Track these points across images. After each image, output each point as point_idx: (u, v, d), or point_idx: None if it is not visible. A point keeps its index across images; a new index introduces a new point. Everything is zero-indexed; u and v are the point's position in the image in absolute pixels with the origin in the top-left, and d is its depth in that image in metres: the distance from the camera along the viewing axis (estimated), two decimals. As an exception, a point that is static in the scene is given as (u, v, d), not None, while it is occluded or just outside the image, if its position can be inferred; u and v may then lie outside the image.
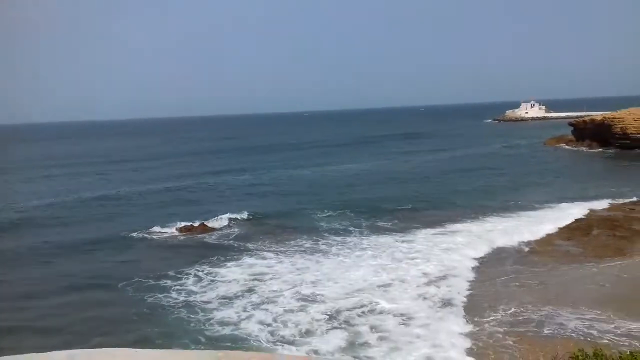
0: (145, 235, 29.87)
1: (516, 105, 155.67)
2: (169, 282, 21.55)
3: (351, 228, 29.69)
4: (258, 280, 21.48)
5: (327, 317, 17.56)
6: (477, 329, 16.35)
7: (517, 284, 20.16)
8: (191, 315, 18.26)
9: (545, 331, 15.90)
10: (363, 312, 17.87)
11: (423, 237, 26.84)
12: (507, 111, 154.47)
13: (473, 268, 22.26)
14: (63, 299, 20.79)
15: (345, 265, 22.85)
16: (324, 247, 26.13)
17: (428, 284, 20.39)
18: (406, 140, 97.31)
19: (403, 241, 26.24)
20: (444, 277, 20.92)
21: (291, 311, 18.19)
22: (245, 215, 33.64)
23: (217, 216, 33.25)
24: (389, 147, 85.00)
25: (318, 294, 19.59)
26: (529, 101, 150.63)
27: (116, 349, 4.30)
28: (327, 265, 22.96)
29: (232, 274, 22.32)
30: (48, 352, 4.19)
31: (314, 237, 27.87)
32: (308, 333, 16.51)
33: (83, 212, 37.07)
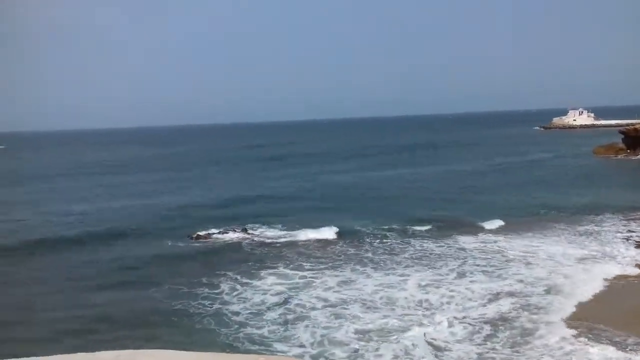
0: (185, 238, 29.49)
1: (563, 112, 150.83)
2: (201, 289, 20.84)
3: (404, 239, 28.03)
4: (293, 292, 20.22)
5: (362, 337, 16.16)
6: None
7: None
8: (220, 327, 17.42)
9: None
10: (404, 337, 16.32)
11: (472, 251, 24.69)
12: (554, 118, 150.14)
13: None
14: (94, 299, 20.52)
15: (391, 282, 21.15)
16: (369, 260, 24.50)
17: (487, 303, 18.68)
18: (456, 148, 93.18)
19: (448, 255, 24.44)
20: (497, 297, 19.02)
21: (325, 328, 16.89)
22: (289, 221, 32.64)
23: (259, 222, 32.59)
24: (441, 155, 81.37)
25: (357, 312, 18.06)
26: (576, 108, 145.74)
27: (159, 350, 4.69)
28: (372, 281, 21.33)
29: (267, 285, 21.17)
30: (95, 352, 4.58)
31: (360, 249, 26.45)
32: (339, 354, 15.27)
33: (130, 215, 37.08)
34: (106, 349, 15.32)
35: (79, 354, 4.47)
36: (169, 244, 28.64)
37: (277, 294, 20.09)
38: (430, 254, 25.21)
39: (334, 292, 20.17)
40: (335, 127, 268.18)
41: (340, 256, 25.24)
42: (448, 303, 18.80)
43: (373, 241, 27.73)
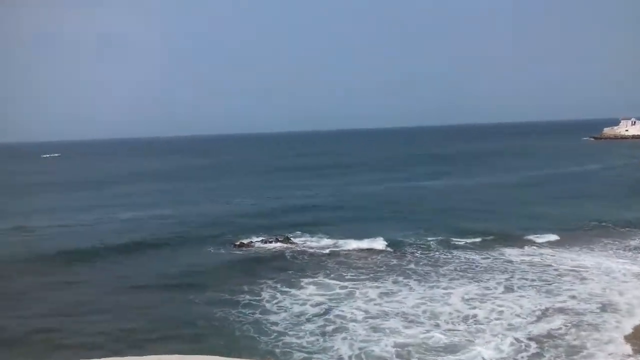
0: (229, 245, 29.76)
1: (614, 122, 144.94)
2: (242, 296, 20.91)
3: (449, 251, 27.30)
4: (334, 303, 19.90)
5: (401, 352, 15.63)
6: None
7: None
8: (260, 335, 17.38)
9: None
10: (448, 354, 15.63)
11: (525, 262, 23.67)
12: (605, 129, 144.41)
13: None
14: (140, 303, 20.90)
15: (434, 295, 20.52)
16: (412, 271, 23.90)
17: (537, 320, 17.84)
18: (502, 158, 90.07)
19: (495, 267, 23.45)
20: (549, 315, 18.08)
21: (364, 341, 16.49)
22: (330, 231, 32.40)
23: (301, 231, 32.57)
24: (486, 165, 78.87)
25: (397, 326, 17.55)
26: (629, 118, 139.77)
27: (199, 356, 4.90)
28: (414, 294, 20.77)
29: (307, 294, 20.97)
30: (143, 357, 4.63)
31: (403, 260, 25.89)
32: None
33: (177, 222, 37.76)
34: (149, 351, 15.76)
35: (127, 357, 4.55)
36: (213, 251, 28.94)
37: (317, 304, 19.84)
38: (476, 266, 24.42)
39: (374, 304, 19.74)
40: (372, 137, 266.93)
41: (381, 267, 24.78)
42: (496, 319, 18.04)
43: (416, 252, 27.16)
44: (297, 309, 19.44)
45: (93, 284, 23.61)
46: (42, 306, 20.51)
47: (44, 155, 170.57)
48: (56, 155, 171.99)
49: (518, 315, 18.21)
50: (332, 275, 23.40)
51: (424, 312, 18.76)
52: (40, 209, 45.57)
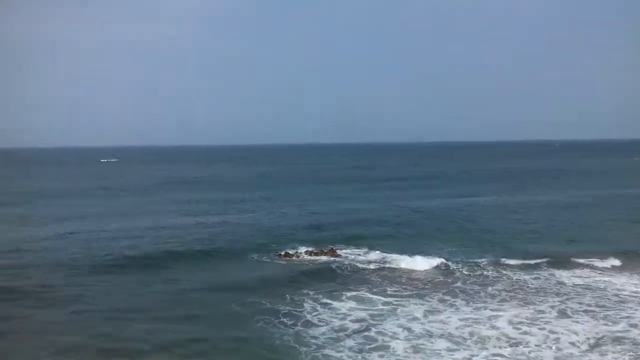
0: (273, 255, 29.89)
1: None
2: (283, 307, 20.85)
3: (498, 270, 26.33)
4: (375, 320, 19.44)
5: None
6: None
7: None
8: (300, 345, 17.20)
9: None
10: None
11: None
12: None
13: None
14: (179, 307, 21.15)
15: (482, 317, 19.72)
16: (459, 290, 23.17)
17: (591, 349, 16.76)
18: (556, 177, 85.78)
19: (547, 289, 22.26)
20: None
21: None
22: (376, 245, 31.99)
23: (346, 244, 32.45)
24: (539, 183, 75.27)
25: (440, 347, 16.92)
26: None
27: None
28: (460, 314, 20.04)
29: (348, 309, 20.65)
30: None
31: (450, 277, 25.23)
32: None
33: (226, 230, 38.30)
34: (192, 354, 15.90)
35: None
36: (258, 260, 29.15)
37: (358, 320, 19.46)
38: (527, 287, 23.34)
39: (418, 322, 19.15)
40: (414, 151, 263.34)
41: (427, 284, 24.11)
42: (547, 346, 17.08)
43: (463, 270, 26.29)
44: (337, 323, 19.14)
45: (141, 288, 23.92)
46: (91, 308, 21.05)
47: (103, 160, 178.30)
48: (114, 160, 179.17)
49: (572, 344, 17.18)
50: (374, 290, 22.99)
51: (470, 334, 18.01)
52: (93, 213, 47.07)
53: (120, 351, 16.81)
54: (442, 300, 21.63)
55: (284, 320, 19.46)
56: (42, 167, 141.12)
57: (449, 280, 24.62)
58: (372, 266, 27.18)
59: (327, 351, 16.73)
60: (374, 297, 21.96)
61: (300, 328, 18.69)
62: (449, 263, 27.42)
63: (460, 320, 19.30)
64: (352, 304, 21.14)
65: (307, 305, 21.01)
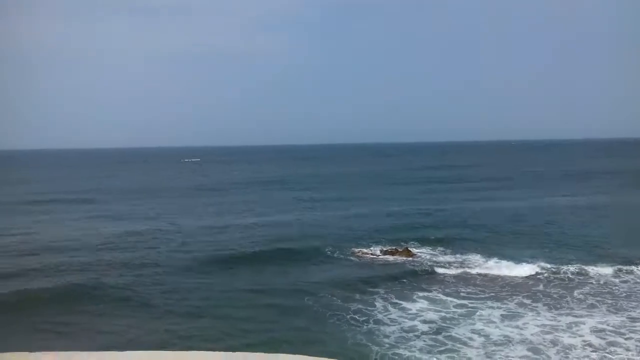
0: (348, 253, 29.89)
1: None
2: (354, 304, 20.83)
3: (583, 272, 24.73)
4: (447, 323, 18.86)
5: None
6: None
7: None
8: (372, 345, 17.09)
9: None
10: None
11: None
12: None
13: None
14: (252, 301, 21.74)
15: (565, 323, 18.55)
16: (541, 293, 21.92)
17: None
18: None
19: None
20: None
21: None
22: (451, 245, 31.25)
23: (421, 243, 31.93)
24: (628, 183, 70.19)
25: (517, 356, 16.03)
26: None
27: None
28: (541, 319, 18.97)
29: (418, 309, 20.22)
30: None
31: (530, 279, 24.02)
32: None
33: (292, 226, 39.11)
34: (265, 348, 16.31)
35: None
36: (332, 257, 29.29)
37: (428, 321, 18.99)
38: (616, 293, 21.67)
39: (494, 326, 18.35)
40: (488, 150, 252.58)
41: (505, 287, 23.06)
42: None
43: (545, 272, 24.88)
44: (407, 323, 18.80)
45: (220, 287, 24.13)
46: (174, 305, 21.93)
47: (185, 160, 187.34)
48: (195, 160, 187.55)
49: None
50: (447, 291, 22.33)
51: (552, 342, 16.99)
52: (185, 211, 49.41)
53: (198, 338, 17.58)
54: (521, 304, 20.61)
55: (355, 317, 19.46)
56: (128, 166, 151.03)
57: (530, 283, 23.41)
58: (446, 267, 26.44)
59: (398, 351, 16.49)
60: (447, 298, 21.33)
61: (371, 326, 18.59)
62: (530, 265, 26.02)
63: (541, 326, 18.28)
64: (424, 304, 20.68)
65: (378, 304, 20.88)
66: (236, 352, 4.77)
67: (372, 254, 29.74)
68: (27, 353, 4.91)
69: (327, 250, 30.62)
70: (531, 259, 27.34)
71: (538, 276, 24.43)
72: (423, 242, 32.42)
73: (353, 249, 30.70)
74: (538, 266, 25.79)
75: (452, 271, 25.56)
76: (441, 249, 30.64)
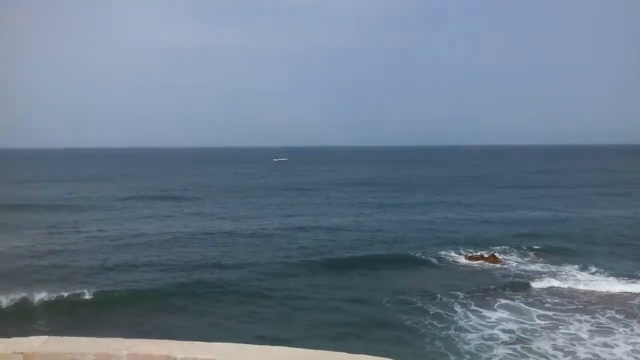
0: (430, 258, 29.69)
1: None
2: (433, 309, 20.78)
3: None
4: (527, 335, 18.21)
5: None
6: None
7: None
8: (448, 352, 17.01)
9: None
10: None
11: None
12: None
13: None
14: (337, 297, 22.58)
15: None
16: (637, 307, 20.53)
17: None
18: None
19: None
20: None
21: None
22: (543, 254, 30.01)
23: (511, 250, 31.06)
24: None
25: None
26: None
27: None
28: (635, 338, 17.81)
29: (500, 318, 19.72)
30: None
31: (625, 292, 22.59)
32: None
33: (375, 229, 39.18)
34: (339, 347, 16.78)
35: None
36: (415, 260, 29.27)
37: (507, 331, 18.48)
38: None
39: (581, 343, 17.48)
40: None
41: (596, 300, 21.78)
42: None
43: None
44: (486, 332, 18.41)
45: (306, 288, 24.52)
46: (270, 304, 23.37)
47: (275, 159, 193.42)
48: (284, 159, 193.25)
49: None
50: (530, 301, 21.52)
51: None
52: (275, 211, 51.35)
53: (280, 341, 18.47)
54: (613, 319, 19.44)
55: (434, 322, 19.41)
56: (224, 166, 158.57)
57: (625, 297, 21.94)
58: (532, 276, 25.42)
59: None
60: (531, 308, 20.56)
61: (450, 332, 18.45)
62: (627, 278, 24.37)
63: (635, 344, 17.20)
64: (504, 313, 20.12)
65: (457, 309, 20.68)
66: (317, 350, 5.16)
67: (456, 259, 29.37)
68: (122, 339, 5.11)
69: (410, 253, 30.58)
70: (628, 272, 25.59)
71: (635, 291, 22.86)
72: (512, 249, 31.36)
73: (437, 252, 30.45)
74: (635, 280, 24.13)
75: (538, 280, 24.55)
76: (530, 257, 29.51)
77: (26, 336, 5.12)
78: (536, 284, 23.92)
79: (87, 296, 22.06)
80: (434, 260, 29.06)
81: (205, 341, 5.04)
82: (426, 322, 19.42)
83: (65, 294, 21.97)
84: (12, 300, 21.01)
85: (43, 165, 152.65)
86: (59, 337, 5.29)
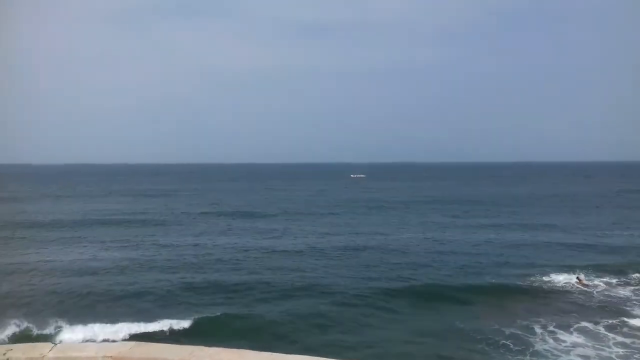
0: (516, 276, 29.56)
1: None
2: (509, 330, 20.91)
3: None
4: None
5: None
6: None
7: None
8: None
9: None
10: None
11: None
12: None
13: None
14: (403, 311, 23.34)
15: None
16: None
17: None
18: None
19: None
20: None
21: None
22: (632, 279, 29.02)
23: (601, 273, 30.31)
24: None
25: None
26: None
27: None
28: None
29: (572, 343, 19.61)
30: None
31: None
32: None
33: (470, 248, 39.22)
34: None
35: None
36: (499, 279, 28.99)
37: (583, 357, 18.39)
38: None
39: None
40: None
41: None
42: None
43: None
44: (562, 358, 18.36)
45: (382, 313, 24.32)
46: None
47: (352, 175, 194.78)
48: (362, 175, 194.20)
49: None
50: (609, 324, 21.12)
51: None
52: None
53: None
54: None
55: (508, 342, 19.54)
56: (304, 181, 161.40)
57: None
58: (618, 300, 24.74)
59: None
60: (609, 334, 20.20)
61: (523, 355, 18.52)
62: None
63: None
64: (580, 338, 19.93)
65: (536, 331, 20.66)
66: None
67: (539, 280, 29.02)
68: (204, 347, 5.21)
69: (494, 271, 30.67)
70: None
71: None
72: (602, 272, 30.37)
73: (520, 273, 30.19)
74: None
75: (623, 305, 23.91)
76: (620, 280, 28.57)
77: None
78: (622, 309, 23.32)
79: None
80: (518, 281, 28.72)
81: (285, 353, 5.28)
82: (500, 343, 19.55)
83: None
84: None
85: (146, 180, 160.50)
86: (145, 343, 5.56)
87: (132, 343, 5.53)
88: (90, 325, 20.78)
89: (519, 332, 20.72)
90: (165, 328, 20.84)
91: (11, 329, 20.27)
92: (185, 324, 21.23)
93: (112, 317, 21.97)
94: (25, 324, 20.82)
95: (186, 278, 29.29)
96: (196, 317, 22.08)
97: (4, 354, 5.29)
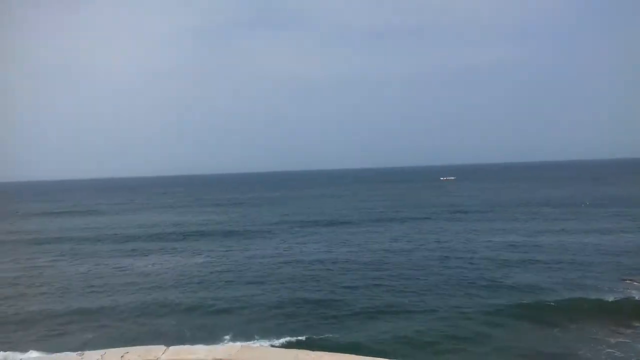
0: (614, 283, 27.84)
1: None
2: (614, 339, 19.96)
3: None
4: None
5: None
6: None
7: None
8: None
9: None
10: None
11: None
12: None
13: None
14: (493, 322, 22.39)
15: None
16: None
17: None
18: None
19: None
20: None
21: None
22: None
23: None
24: None
25: None
26: None
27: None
28: None
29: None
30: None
31: None
32: None
33: (570, 250, 37.73)
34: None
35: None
36: (596, 286, 27.42)
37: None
38: None
39: None
40: None
41: None
42: None
43: None
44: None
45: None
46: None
47: (442, 178, 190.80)
48: (452, 178, 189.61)
49: None
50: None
51: None
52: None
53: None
54: None
55: (612, 351, 18.72)
56: (396, 185, 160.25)
57: None
58: None
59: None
60: None
61: None
62: None
63: None
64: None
65: (606, 349, 19.35)
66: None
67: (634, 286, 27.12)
68: (308, 351, 5.23)
69: (594, 274, 29.52)
70: None
71: None
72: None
73: (621, 277, 28.62)
74: None
75: None
76: None
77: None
78: None
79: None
80: (618, 287, 27.08)
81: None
82: (603, 352, 18.78)
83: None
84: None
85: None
86: (252, 345, 5.95)
87: (239, 346, 5.67)
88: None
89: (625, 340, 19.76)
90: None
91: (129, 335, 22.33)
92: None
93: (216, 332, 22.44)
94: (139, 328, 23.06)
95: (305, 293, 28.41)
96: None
97: (122, 357, 5.47)
